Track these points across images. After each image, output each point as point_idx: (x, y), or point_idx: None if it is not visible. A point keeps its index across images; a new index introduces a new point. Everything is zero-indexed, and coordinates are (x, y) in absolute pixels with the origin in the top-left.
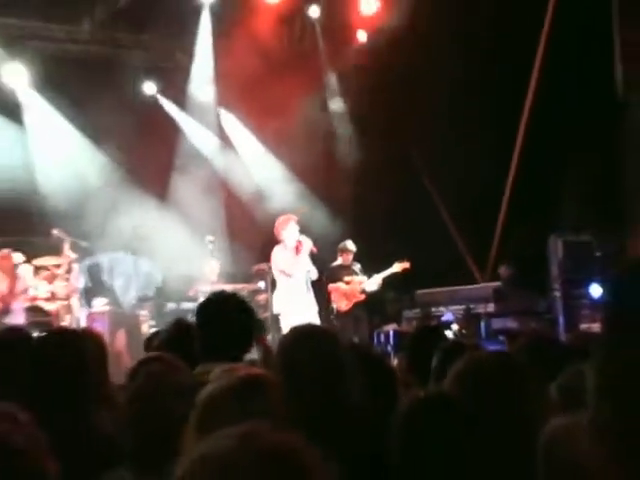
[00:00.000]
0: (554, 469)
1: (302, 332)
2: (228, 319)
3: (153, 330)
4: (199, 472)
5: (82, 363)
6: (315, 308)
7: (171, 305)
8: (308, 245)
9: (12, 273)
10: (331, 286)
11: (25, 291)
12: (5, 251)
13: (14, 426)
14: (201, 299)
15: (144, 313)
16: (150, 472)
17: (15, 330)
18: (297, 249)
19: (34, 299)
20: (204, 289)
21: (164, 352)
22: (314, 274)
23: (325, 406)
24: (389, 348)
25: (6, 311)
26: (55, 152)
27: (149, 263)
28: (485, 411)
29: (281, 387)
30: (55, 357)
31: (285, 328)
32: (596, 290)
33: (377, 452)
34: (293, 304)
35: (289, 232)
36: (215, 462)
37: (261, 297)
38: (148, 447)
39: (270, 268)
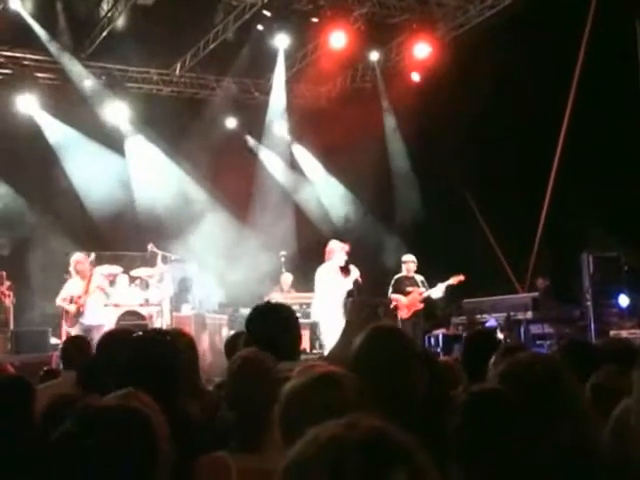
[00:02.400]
0: (626, 439)
1: (380, 331)
2: (274, 325)
3: (232, 332)
4: (311, 454)
5: (172, 357)
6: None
7: (248, 311)
8: (356, 274)
9: (86, 276)
10: (393, 297)
11: (98, 292)
12: (80, 255)
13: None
14: None
15: (224, 317)
16: (250, 452)
17: (120, 330)
18: (344, 272)
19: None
20: (277, 297)
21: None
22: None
23: (396, 397)
24: (438, 349)
25: (80, 312)
26: (150, 178)
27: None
28: (529, 408)
29: (356, 381)
30: (150, 352)
31: (324, 333)
32: (623, 300)
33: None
34: (330, 314)
35: (338, 257)
36: (325, 445)
37: None
38: (247, 429)
39: None
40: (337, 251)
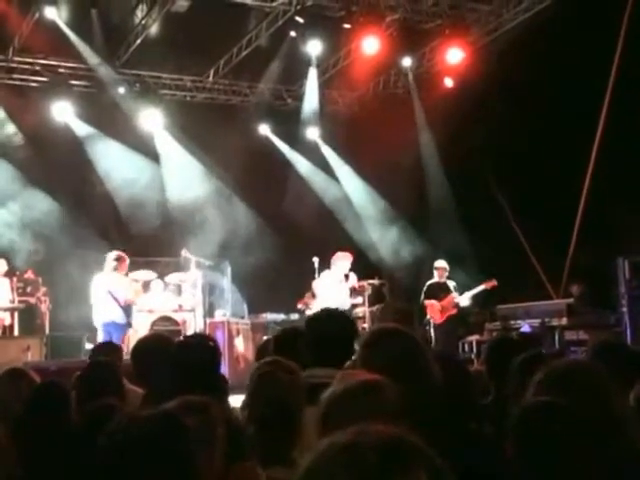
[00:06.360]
0: None
1: (382, 331)
2: (333, 331)
3: (265, 338)
4: (322, 462)
5: (212, 360)
6: None
7: (281, 316)
8: (353, 280)
9: None
10: (427, 302)
11: None
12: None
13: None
14: (307, 312)
15: (256, 323)
16: (274, 463)
17: (158, 336)
18: (346, 279)
19: None
20: (310, 302)
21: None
22: (347, 304)
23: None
24: (472, 356)
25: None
26: (184, 184)
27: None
28: (575, 413)
29: (396, 390)
30: (192, 356)
31: None
32: None
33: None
34: None
35: (340, 266)
36: (342, 451)
37: (360, 310)
38: (270, 440)
39: (368, 285)
40: (340, 259)
